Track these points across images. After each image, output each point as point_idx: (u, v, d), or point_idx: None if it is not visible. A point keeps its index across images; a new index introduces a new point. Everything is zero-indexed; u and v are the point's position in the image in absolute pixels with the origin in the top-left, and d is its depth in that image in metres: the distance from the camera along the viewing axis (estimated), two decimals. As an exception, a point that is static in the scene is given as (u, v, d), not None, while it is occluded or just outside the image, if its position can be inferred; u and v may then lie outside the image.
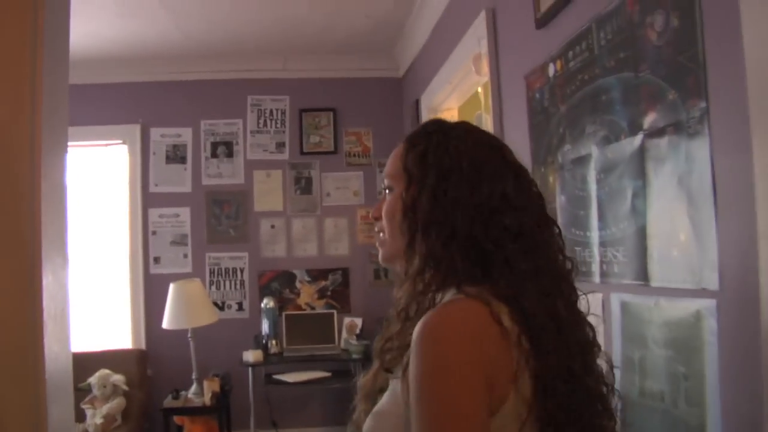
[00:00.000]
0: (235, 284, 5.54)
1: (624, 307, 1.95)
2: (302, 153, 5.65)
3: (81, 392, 4.71)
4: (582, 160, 2.18)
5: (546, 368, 1.06)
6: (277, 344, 5.18)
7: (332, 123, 5.67)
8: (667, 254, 1.72)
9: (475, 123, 3.18)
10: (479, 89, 3.29)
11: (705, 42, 1.54)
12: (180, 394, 4.75)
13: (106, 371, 4.79)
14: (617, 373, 1.97)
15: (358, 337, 5.19)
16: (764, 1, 1.34)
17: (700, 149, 1.56)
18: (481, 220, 1.15)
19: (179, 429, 4.82)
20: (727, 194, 1.49)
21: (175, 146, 5.55)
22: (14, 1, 1.21)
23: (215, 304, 5.35)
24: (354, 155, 5.68)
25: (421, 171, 1.21)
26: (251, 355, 4.96)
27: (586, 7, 2.13)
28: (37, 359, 1.05)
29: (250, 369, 4.95)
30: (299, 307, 5.56)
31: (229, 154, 5.59)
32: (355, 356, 5.00)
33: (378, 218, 1.33)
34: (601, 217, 2.06)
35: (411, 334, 1.08)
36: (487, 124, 3.18)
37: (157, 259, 5.48)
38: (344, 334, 5.32)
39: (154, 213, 5.50)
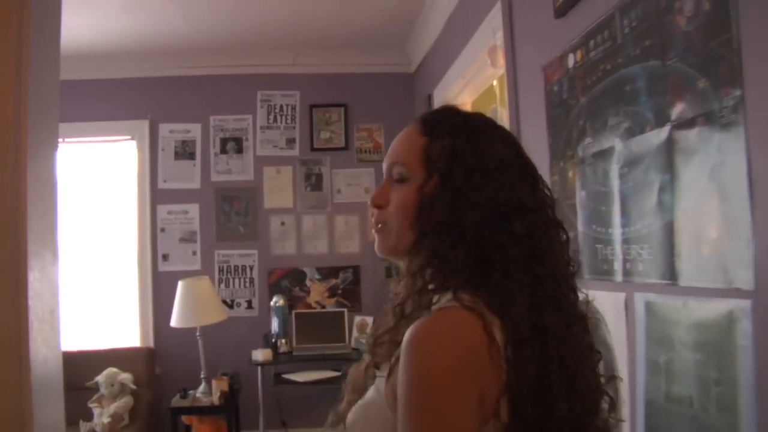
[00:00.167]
0: (245, 282, 5.47)
1: (649, 307, 1.86)
2: (313, 149, 5.58)
3: (88, 391, 4.69)
4: (604, 154, 2.09)
5: (518, 389, 1.00)
6: (286, 343, 5.12)
7: (343, 119, 5.60)
8: (696, 252, 1.63)
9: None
10: (495, 82, 3.20)
11: (740, 26, 1.45)
12: (188, 394, 4.69)
13: (114, 370, 4.76)
14: (641, 376, 1.90)
15: (369, 335, 5.10)
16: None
17: (734, 140, 1.47)
18: (492, 225, 1.10)
19: (187, 428, 4.76)
20: (764, 187, 1.40)
21: (184, 142, 5.49)
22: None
23: (224, 302, 5.30)
24: (365, 151, 5.60)
25: (448, 167, 1.13)
26: (260, 354, 4.89)
27: (609, -6, 2.05)
28: (22, 360, 0.98)
29: (259, 368, 4.89)
30: (309, 306, 5.49)
31: (239, 150, 5.52)
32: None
33: (381, 206, 1.21)
34: (625, 213, 1.97)
35: (403, 332, 1.04)
36: (503, 118, 3.10)
37: (165, 257, 5.42)
38: (355, 333, 5.24)
39: (162, 210, 5.44)
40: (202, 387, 4.71)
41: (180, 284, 4.73)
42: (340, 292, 5.53)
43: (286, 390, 5.03)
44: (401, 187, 1.18)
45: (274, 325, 5.16)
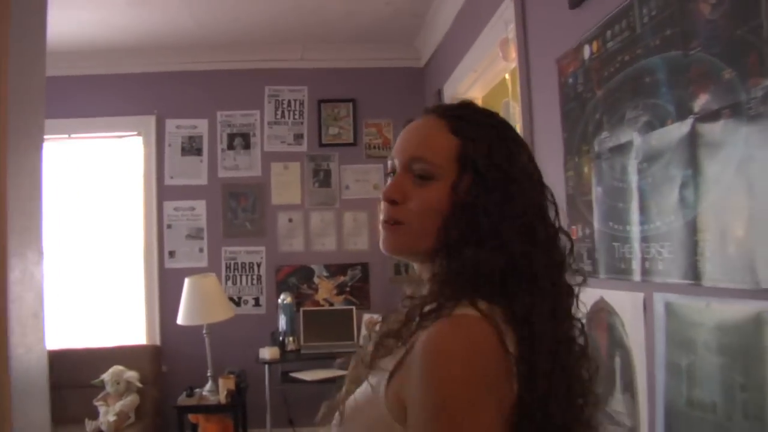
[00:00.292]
0: (252, 279, 5.42)
1: (669, 308, 1.78)
2: (321, 145, 5.52)
3: (94, 389, 4.67)
4: (621, 149, 2.01)
5: (530, 401, 0.99)
6: (294, 341, 5.05)
7: (352, 114, 5.53)
8: (721, 250, 1.55)
9: (502, 111, 3.03)
10: (507, 76, 3.13)
11: (770, 12, 1.37)
12: (194, 392, 4.65)
13: (120, 367, 4.73)
14: (660, 379, 1.82)
15: (378, 334, 5.04)
16: None
17: (762, 133, 1.40)
18: (520, 232, 1.07)
19: (194, 427, 4.71)
20: (795, 183, 1.32)
21: (191, 138, 5.44)
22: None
23: (231, 299, 5.26)
24: (374, 147, 5.54)
25: (488, 172, 1.09)
26: (268, 352, 4.83)
27: (627, -18, 1.97)
28: (1, 364, 0.92)
29: (266, 366, 4.82)
30: (317, 303, 5.43)
31: (246, 146, 5.47)
32: (374, 354, 4.84)
33: (396, 202, 1.13)
34: (643, 210, 1.90)
35: (412, 334, 1.02)
36: (515, 112, 3.02)
37: (172, 253, 5.37)
38: (363, 331, 5.17)
39: (169, 206, 5.39)
40: (208, 385, 4.67)
41: (186, 281, 4.68)
42: (348, 289, 5.47)
43: (293, 389, 4.96)
44: (427, 185, 1.11)
45: (282, 322, 5.11)
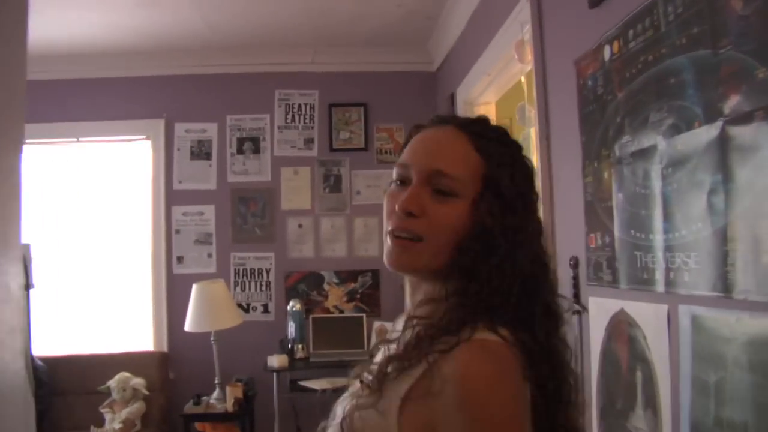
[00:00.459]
0: (261, 285, 5.34)
1: (696, 321, 1.69)
2: (331, 149, 5.44)
3: (100, 395, 4.63)
4: (644, 153, 1.92)
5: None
6: (303, 349, 4.97)
7: (363, 118, 5.46)
8: (754, 261, 1.45)
9: (517, 115, 2.94)
10: (522, 78, 3.04)
11: (809, 7, 1.28)
12: (202, 400, 4.59)
13: (126, 374, 4.69)
14: (686, 396, 1.73)
15: (388, 342, 4.95)
16: None
17: (801, 136, 1.30)
18: (532, 257, 1.10)
19: (201, 436, 4.66)
20: (838, 190, 1.23)
21: (200, 142, 5.38)
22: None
23: (240, 305, 5.19)
24: (385, 152, 5.45)
25: (508, 192, 1.10)
26: (276, 360, 4.75)
27: (651, -21, 1.88)
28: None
29: (274, 374, 4.74)
30: (327, 310, 5.34)
31: (256, 151, 5.40)
32: (384, 362, 4.76)
33: (414, 215, 1.08)
34: (668, 218, 1.80)
35: (423, 356, 1.00)
36: (531, 116, 2.94)
37: (180, 259, 5.31)
38: (374, 339, 5.09)
39: (177, 211, 5.33)
40: (216, 393, 4.62)
41: (194, 287, 4.64)
42: (358, 296, 5.39)
43: (302, 397, 4.87)
44: (448, 202, 1.09)
45: (291, 330, 5.03)
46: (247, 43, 5.16)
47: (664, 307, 1.83)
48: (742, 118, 1.47)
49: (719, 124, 1.55)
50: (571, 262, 2.48)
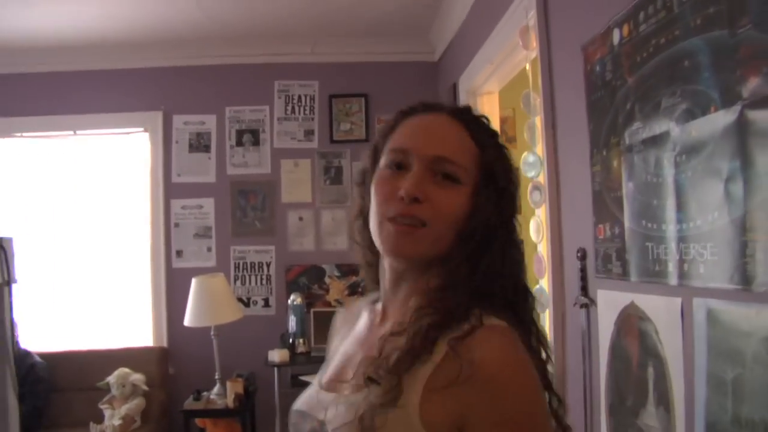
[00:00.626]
0: (261, 279, 5.28)
1: (711, 315, 1.61)
2: (332, 141, 5.37)
3: (99, 391, 4.59)
4: (656, 140, 1.84)
5: None
6: (304, 343, 4.91)
7: (364, 109, 5.38)
8: (775, 252, 1.38)
9: (522, 103, 2.86)
10: (527, 66, 2.97)
11: (837, -19, 1.21)
12: (202, 395, 4.54)
13: (126, 370, 4.63)
14: (701, 393, 1.66)
15: (390, 336, 4.90)
16: None
17: (827, 119, 1.23)
18: (518, 244, 1.15)
19: (201, 432, 4.61)
20: None
21: (198, 134, 5.30)
22: None
23: (240, 300, 5.14)
24: (386, 144, 5.37)
25: (504, 182, 1.13)
26: (277, 355, 4.70)
27: (663, -42, 1.80)
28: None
29: (275, 369, 4.69)
30: (328, 304, 5.28)
31: (256, 143, 5.33)
32: (386, 357, 4.70)
33: (419, 200, 1.06)
34: (681, 207, 1.73)
35: (432, 345, 1.00)
36: (536, 104, 2.86)
37: (179, 253, 5.25)
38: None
39: (176, 204, 5.26)
40: (216, 388, 4.57)
41: (194, 281, 4.58)
42: (360, 290, 5.30)
43: (303, 392, 4.83)
44: (452, 188, 1.09)
45: (292, 324, 4.96)
46: (245, 34, 5.08)
47: (678, 300, 1.76)
48: (762, 102, 1.40)
49: (737, 108, 1.48)
50: (579, 254, 2.41)
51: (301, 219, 5.32)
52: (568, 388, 2.57)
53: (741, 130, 1.47)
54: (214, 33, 5.01)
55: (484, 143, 1.13)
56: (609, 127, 2.15)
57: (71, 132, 5.27)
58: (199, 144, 5.30)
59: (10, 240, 3.31)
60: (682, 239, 1.73)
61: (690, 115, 1.67)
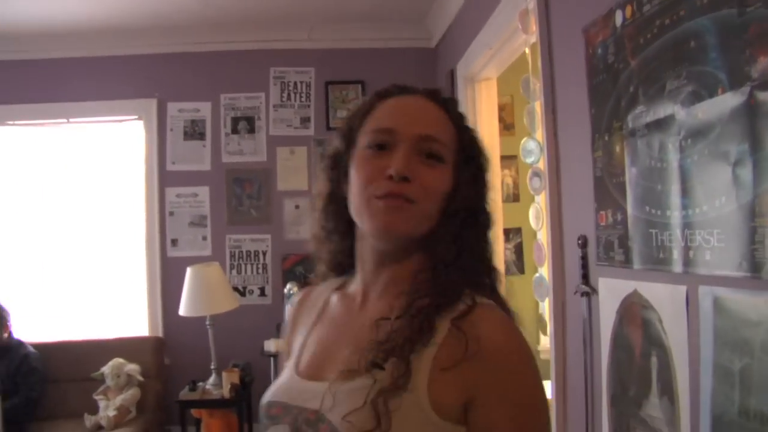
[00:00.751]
0: (257, 268, 5.22)
1: (718, 303, 1.57)
2: (329, 128, 5.27)
3: (94, 382, 4.53)
4: (660, 124, 1.79)
5: None
6: (301, 333, 4.86)
7: (360, 96, 5.28)
8: (786, 238, 1.34)
9: (521, 88, 2.81)
10: (527, 50, 2.91)
11: None
12: (198, 386, 4.50)
13: (120, 360, 4.57)
14: (706, 384, 1.61)
15: (388, 325, 4.86)
16: None
17: (842, 99, 1.18)
18: (492, 217, 1.17)
19: (197, 422, 4.57)
20: None
21: (193, 122, 5.23)
22: None
23: (236, 289, 5.07)
24: (383, 131, 5.32)
25: (479, 159, 1.16)
26: (273, 345, 4.64)
27: (668, -64, 1.74)
28: None
29: (272, 359, 4.63)
30: (325, 293, 5.22)
31: (251, 130, 5.26)
32: (384, 346, 4.66)
33: (409, 179, 1.06)
34: (687, 193, 1.68)
35: (430, 327, 1.01)
36: (536, 89, 2.81)
37: (174, 242, 5.18)
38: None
39: (171, 192, 5.19)
40: (212, 379, 4.53)
41: (189, 270, 4.52)
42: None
43: (300, 382, 4.80)
44: (437, 167, 1.10)
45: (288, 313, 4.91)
46: (240, 20, 5.00)
47: (683, 288, 1.72)
48: (773, 82, 1.35)
49: (746, 89, 1.43)
50: (579, 242, 2.36)
51: (297, 207, 5.26)
52: (568, 377, 2.53)
53: (750, 112, 1.42)
54: (208, 19, 4.94)
55: (459, 123, 1.16)
56: (611, 112, 2.10)
57: (64, 120, 5.20)
58: (194, 132, 5.23)
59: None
60: (687, 225, 1.68)
61: (696, 98, 1.62)
